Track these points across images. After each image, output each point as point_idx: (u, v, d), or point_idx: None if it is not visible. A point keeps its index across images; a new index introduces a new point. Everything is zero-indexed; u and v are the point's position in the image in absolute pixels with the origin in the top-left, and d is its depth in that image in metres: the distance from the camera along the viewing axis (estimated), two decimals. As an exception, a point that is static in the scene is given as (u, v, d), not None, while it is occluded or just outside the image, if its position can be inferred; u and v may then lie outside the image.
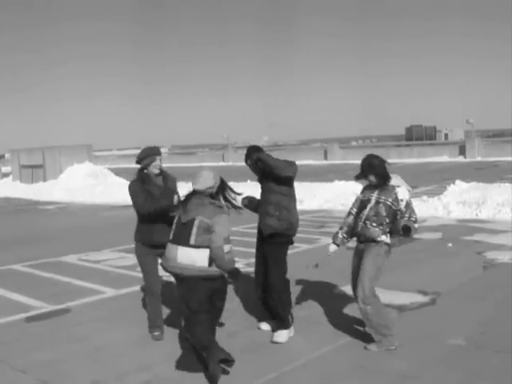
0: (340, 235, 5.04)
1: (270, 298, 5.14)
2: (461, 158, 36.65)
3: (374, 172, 4.79)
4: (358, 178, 4.92)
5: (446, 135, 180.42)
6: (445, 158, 37.11)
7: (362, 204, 4.90)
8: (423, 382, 4.15)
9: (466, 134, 59.07)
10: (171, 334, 5.37)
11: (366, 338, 4.84)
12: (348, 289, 6.58)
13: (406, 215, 4.72)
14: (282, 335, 5.01)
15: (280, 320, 5.08)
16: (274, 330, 5.14)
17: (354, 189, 14.63)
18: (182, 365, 4.56)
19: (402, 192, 4.78)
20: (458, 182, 15.09)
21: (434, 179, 21.07)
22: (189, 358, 4.68)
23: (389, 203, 4.73)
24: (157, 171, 5.29)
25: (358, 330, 5.17)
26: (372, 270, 4.71)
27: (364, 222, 4.78)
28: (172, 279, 4.81)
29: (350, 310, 5.79)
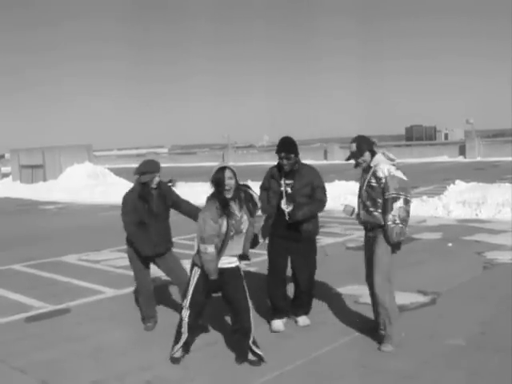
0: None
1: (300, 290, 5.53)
2: (461, 158, 36.63)
3: (369, 148, 4.81)
4: (352, 157, 4.89)
5: (446, 135, 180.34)
6: (445, 158, 37.08)
7: (359, 190, 4.95)
8: (423, 381, 4.15)
9: (466, 134, 59.08)
10: (171, 334, 5.37)
11: (377, 338, 4.84)
12: (349, 289, 6.59)
13: (391, 214, 4.57)
14: (307, 319, 5.48)
15: (306, 307, 5.54)
16: (292, 316, 5.54)
17: (354, 189, 14.64)
18: (182, 365, 4.56)
19: (381, 169, 4.67)
20: (458, 181, 15.08)
21: (434, 179, 21.06)
22: (189, 358, 4.69)
23: (373, 184, 4.70)
24: (154, 186, 5.43)
25: (358, 330, 5.18)
26: (385, 256, 4.72)
27: (365, 209, 4.80)
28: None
29: (351, 310, 5.79)
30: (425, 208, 12.54)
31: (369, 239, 4.90)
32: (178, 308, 6.02)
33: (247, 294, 4.60)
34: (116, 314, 6.15)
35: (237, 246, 4.52)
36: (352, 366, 4.50)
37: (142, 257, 5.48)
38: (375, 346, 4.79)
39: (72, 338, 5.39)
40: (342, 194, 15.08)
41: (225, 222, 4.38)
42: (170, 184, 5.64)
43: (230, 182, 4.40)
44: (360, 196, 4.89)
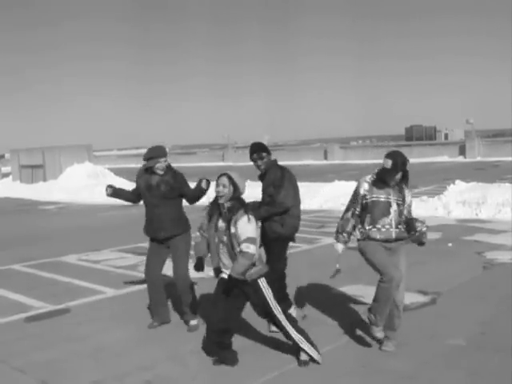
0: (346, 235, 4.95)
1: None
2: (461, 158, 36.65)
3: (404, 169, 4.57)
4: (383, 174, 4.55)
5: (446, 135, 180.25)
6: (445, 158, 37.11)
7: (378, 206, 4.62)
8: (423, 381, 4.15)
9: (465, 134, 59.11)
10: (171, 334, 5.37)
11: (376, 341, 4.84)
12: (349, 289, 6.59)
13: (418, 225, 4.69)
14: (294, 311, 5.37)
15: (285, 302, 5.30)
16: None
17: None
18: (182, 364, 4.56)
19: (409, 195, 4.75)
20: (458, 181, 15.09)
21: (434, 179, 21.08)
22: (189, 358, 4.69)
23: (404, 204, 4.71)
24: (160, 172, 5.35)
25: (359, 330, 5.17)
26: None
27: (397, 227, 4.69)
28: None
29: (351, 310, 5.79)
30: (425, 208, 12.54)
31: (386, 247, 4.79)
32: (178, 307, 6.03)
33: (265, 294, 4.44)
34: (116, 313, 6.15)
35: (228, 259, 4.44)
36: (352, 365, 4.50)
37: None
38: (375, 346, 4.79)
39: (72, 338, 5.39)
40: (342, 195, 15.09)
41: (211, 224, 4.49)
42: (202, 185, 5.39)
43: (219, 190, 4.36)
44: (387, 214, 4.63)
